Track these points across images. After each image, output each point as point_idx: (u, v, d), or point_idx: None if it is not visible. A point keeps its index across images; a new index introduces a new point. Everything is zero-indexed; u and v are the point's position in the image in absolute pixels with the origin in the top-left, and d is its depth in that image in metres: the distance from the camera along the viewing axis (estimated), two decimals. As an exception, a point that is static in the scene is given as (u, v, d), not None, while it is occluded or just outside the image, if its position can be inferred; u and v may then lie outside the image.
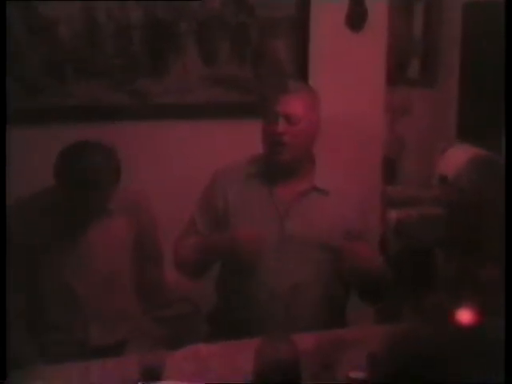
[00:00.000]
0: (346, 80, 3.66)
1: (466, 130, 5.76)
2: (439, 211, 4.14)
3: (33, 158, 3.03)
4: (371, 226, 2.78)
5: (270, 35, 3.52)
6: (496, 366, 1.37)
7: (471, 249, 2.88)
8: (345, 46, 3.66)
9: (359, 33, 3.69)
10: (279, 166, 2.56)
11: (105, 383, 2.13)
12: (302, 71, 3.57)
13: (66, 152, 2.42)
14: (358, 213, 2.64)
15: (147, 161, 3.32)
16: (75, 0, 3.21)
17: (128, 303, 2.61)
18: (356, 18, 3.68)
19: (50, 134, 3.08)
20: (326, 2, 3.56)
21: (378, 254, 2.70)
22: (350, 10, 3.65)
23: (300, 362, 2.05)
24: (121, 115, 3.31)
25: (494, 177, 3.05)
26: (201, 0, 3.39)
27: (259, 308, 2.51)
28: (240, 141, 2.87)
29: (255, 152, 2.68)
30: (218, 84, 3.48)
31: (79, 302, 2.50)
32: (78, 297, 2.50)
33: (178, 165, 3.42)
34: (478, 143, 5.13)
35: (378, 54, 3.77)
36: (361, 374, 2.05)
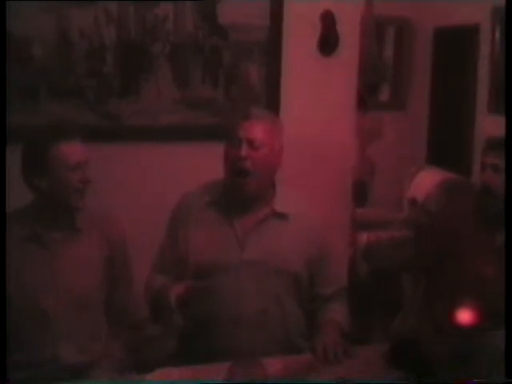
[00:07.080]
0: (317, 104, 3.70)
1: (436, 153, 5.83)
2: (409, 233, 4.17)
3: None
4: (336, 249, 2.80)
5: (242, 59, 3.56)
6: None
7: (439, 271, 2.91)
8: (316, 70, 3.71)
9: (331, 57, 3.74)
10: (240, 193, 2.55)
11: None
12: (273, 95, 3.61)
13: None
14: (322, 237, 2.65)
15: (117, 182, 3.31)
16: (48, 19, 3.22)
17: (98, 324, 2.59)
18: (328, 43, 3.72)
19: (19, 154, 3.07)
20: (298, 27, 3.60)
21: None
22: (322, 35, 3.70)
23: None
24: (91, 136, 3.31)
25: (462, 200, 3.08)
26: (174, 22, 3.41)
27: (226, 332, 2.51)
28: (212, 163, 2.87)
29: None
30: (190, 106, 3.50)
31: (49, 320, 2.48)
32: (47, 315, 2.48)
33: (149, 186, 3.42)
34: (447, 167, 5.20)
35: (349, 77, 3.81)
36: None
